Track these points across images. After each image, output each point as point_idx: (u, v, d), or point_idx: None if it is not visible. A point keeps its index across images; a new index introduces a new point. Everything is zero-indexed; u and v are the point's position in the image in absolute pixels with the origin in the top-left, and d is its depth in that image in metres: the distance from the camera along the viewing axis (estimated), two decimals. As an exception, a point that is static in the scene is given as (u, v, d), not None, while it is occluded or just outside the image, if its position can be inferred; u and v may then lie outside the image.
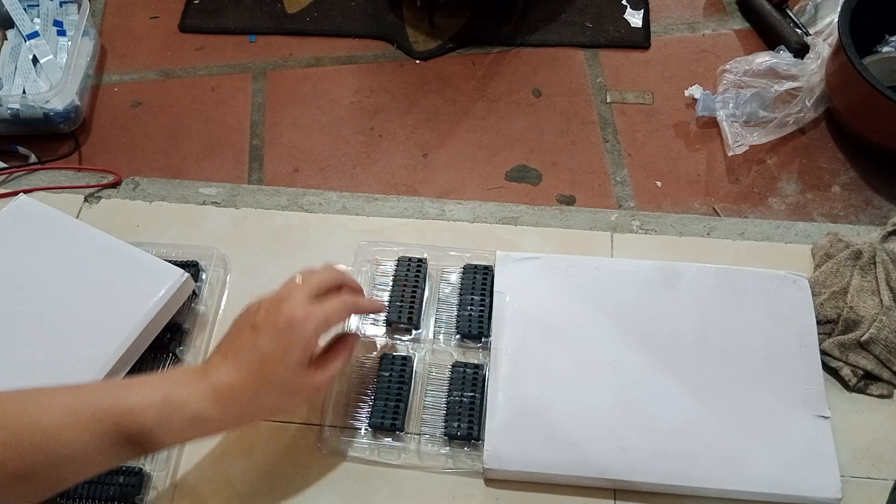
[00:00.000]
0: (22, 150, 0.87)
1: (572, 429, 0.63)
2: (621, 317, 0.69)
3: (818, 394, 0.64)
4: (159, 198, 0.82)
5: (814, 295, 0.70)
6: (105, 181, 0.83)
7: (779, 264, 0.73)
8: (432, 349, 0.70)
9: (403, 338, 0.70)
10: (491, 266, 0.72)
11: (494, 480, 0.64)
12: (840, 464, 0.62)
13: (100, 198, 0.82)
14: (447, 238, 0.77)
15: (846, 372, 0.67)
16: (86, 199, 0.82)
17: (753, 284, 0.70)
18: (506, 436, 0.63)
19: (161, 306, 0.66)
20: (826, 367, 0.67)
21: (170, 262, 0.70)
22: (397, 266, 0.73)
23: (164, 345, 0.69)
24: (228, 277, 0.76)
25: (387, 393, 0.66)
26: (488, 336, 0.69)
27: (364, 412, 0.66)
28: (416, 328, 0.70)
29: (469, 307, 0.70)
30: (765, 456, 0.62)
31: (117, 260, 0.69)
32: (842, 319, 0.68)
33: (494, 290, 0.70)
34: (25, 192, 0.79)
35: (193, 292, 0.72)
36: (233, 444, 0.66)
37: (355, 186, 0.85)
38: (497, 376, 0.66)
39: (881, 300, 0.68)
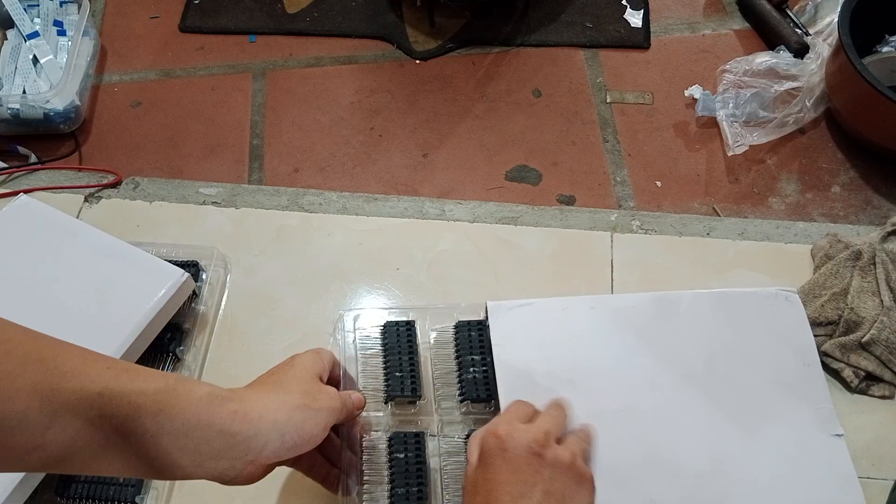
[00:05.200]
0: (22, 150, 0.87)
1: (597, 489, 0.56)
2: (626, 357, 0.65)
3: (829, 412, 0.63)
4: (159, 198, 0.82)
5: (814, 296, 0.69)
6: (105, 181, 0.83)
7: (779, 264, 0.73)
8: (441, 420, 0.64)
9: (409, 412, 0.65)
10: (483, 320, 0.67)
11: None
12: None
13: (100, 198, 0.82)
14: (447, 239, 0.77)
15: (848, 373, 0.66)
16: (86, 199, 0.82)
17: (749, 306, 0.67)
18: None
19: (161, 306, 0.66)
20: (827, 369, 0.67)
21: (170, 262, 0.70)
22: (384, 332, 0.66)
23: (164, 345, 0.69)
24: (228, 277, 0.76)
25: (406, 476, 0.59)
26: (497, 398, 0.63)
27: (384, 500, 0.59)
28: (421, 398, 0.65)
29: (471, 369, 0.64)
30: (790, 485, 0.60)
31: (117, 260, 0.69)
32: (842, 321, 0.68)
33: (493, 344, 0.65)
34: (25, 192, 0.79)
35: (193, 292, 0.72)
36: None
37: (355, 186, 0.85)
38: None
39: (881, 301, 0.68)
